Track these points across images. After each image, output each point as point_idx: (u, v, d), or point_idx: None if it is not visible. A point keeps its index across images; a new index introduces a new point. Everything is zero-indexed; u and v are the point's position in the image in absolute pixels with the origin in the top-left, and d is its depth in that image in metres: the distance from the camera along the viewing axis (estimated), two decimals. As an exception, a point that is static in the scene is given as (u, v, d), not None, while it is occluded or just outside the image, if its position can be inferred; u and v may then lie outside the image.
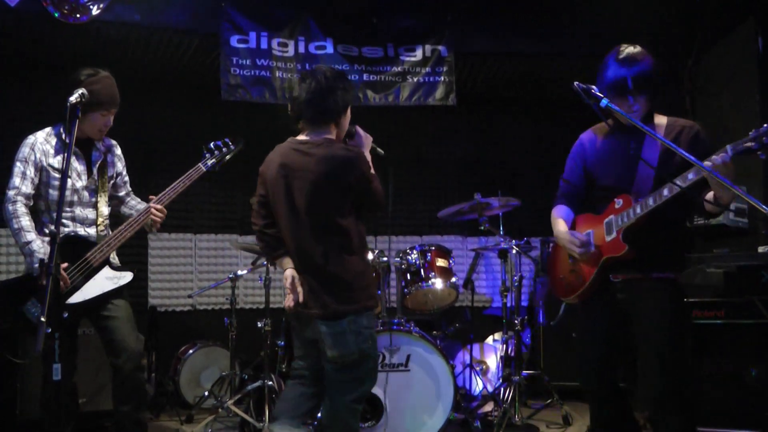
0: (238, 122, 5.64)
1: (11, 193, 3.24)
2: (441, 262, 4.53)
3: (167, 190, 3.44)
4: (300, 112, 2.91)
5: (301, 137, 2.94)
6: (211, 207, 6.04)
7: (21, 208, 3.22)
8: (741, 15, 4.90)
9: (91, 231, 3.37)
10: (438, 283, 4.45)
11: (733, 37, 5.03)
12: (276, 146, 2.99)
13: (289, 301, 2.88)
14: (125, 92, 3.43)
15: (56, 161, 3.30)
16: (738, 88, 4.94)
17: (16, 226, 3.19)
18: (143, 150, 5.69)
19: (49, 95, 5.15)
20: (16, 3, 4.40)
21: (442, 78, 5.30)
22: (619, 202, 2.81)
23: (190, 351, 5.11)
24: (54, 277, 2.49)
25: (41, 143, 3.32)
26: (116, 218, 3.55)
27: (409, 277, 4.45)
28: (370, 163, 2.97)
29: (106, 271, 3.30)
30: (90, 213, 3.39)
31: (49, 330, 2.48)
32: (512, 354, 4.63)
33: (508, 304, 4.67)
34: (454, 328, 5.00)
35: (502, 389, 4.57)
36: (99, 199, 3.41)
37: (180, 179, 3.48)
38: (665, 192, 2.63)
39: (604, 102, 2.58)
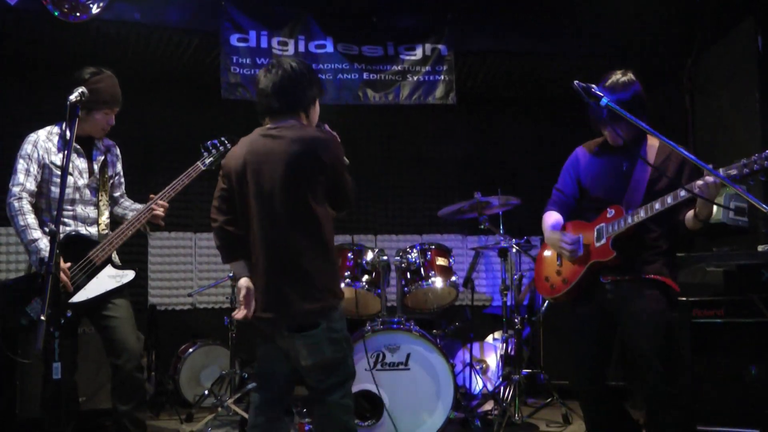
0: (237, 121, 5.56)
1: (16, 189, 3.22)
2: (441, 261, 4.53)
3: (167, 188, 3.45)
4: (267, 104, 2.73)
5: (270, 125, 2.76)
6: (210, 206, 6.02)
7: (26, 205, 3.21)
8: (740, 14, 4.90)
9: (93, 230, 3.37)
10: (438, 282, 4.45)
11: (733, 37, 5.03)
12: (241, 139, 2.82)
13: (240, 314, 2.72)
14: (125, 91, 3.43)
15: (58, 159, 3.30)
16: (737, 88, 4.94)
17: (21, 223, 3.18)
18: (143, 148, 5.69)
19: (48, 95, 5.15)
20: (16, 2, 4.40)
21: (442, 77, 5.30)
22: (611, 212, 2.95)
23: (190, 350, 5.11)
24: (54, 276, 2.49)
25: (43, 141, 3.32)
26: (114, 218, 3.55)
27: (409, 276, 4.45)
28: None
29: (109, 269, 3.30)
30: (91, 212, 3.39)
31: (53, 330, 2.49)
32: (512, 353, 4.64)
33: (508, 303, 4.68)
34: (454, 326, 4.99)
35: (502, 388, 4.58)
36: (101, 197, 3.41)
37: (179, 178, 3.51)
38: (657, 205, 2.78)
39: (604, 101, 2.61)
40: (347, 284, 4.29)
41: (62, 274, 3.08)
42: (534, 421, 4.53)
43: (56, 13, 4.44)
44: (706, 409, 3.55)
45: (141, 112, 5.50)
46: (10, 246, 5.44)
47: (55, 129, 3.39)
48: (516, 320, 4.61)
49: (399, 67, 5.30)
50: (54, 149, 3.32)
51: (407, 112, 5.79)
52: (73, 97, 2.81)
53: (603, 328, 3.00)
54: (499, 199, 4.65)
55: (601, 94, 2.65)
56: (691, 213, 2.81)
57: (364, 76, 5.26)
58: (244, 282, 2.74)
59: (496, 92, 6.30)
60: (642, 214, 2.82)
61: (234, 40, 5.04)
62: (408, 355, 3.95)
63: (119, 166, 3.58)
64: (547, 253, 3.26)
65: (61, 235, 3.19)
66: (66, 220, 3.30)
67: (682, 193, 2.70)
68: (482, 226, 4.55)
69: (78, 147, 3.36)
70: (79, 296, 3.18)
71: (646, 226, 2.88)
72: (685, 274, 3.75)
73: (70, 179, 3.30)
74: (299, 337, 2.64)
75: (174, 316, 5.88)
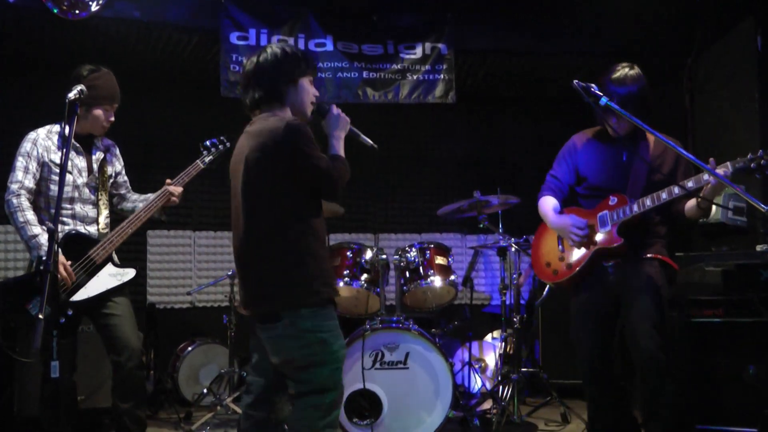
0: (237, 119, 5.58)
1: (15, 186, 3.22)
2: (440, 260, 4.53)
3: (181, 174, 3.49)
4: (244, 100, 2.73)
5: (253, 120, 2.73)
6: (210, 204, 6.04)
7: (25, 202, 3.21)
8: (740, 14, 4.90)
9: (92, 229, 3.36)
10: (437, 281, 4.45)
11: (733, 36, 5.03)
12: None
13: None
14: (124, 89, 3.43)
15: (58, 157, 3.29)
16: (737, 87, 4.94)
17: (21, 219, 3.18)
18: (142, 147, 5.68)
19: (48, 94, 5.13)
20: (15, -1, 4.39)
21: (442, 76, 5.30)
22: (613, 200, 3.01)
23: (189, 348, 5.11)
24: (52, 274, 2.48)
25: (43, 139, 3.32)
26: (116, 216, 3.55)
27: (408, 275, 4.45)
28: (341, 145, 2.70)
29: (110, 268, 3.30)
30: (90, 211, 3.38)
31: (52, 328, 2.49)
32: (511, 352, 4.64)
33: (507, 302, 4.68)
34: (453, 325, 4.99)
35: (501, 387, 4.58)
36: (100, 196, 3.41)
37: (179, 176, 3.51)
38: (664, 195, 2.86)
39: (604, 100, 2.65)
40: (346, 283, 4.29)
41: (62, 269, 3.07)
42: (533, 420, 4.53)
43: (55, 11, 4.42)
44: (705, 409, 3.55)
45: (140, 110, 5.49)
46: (8, 244, 5.44)
47: (55, 127, 3.38)
48: (515, 319, 4.62)
49: (399, 66, 5.30)
50: (53, 147, 3.32)
51: (407, 111, 5.79)
52: (71, 95, 2.81)
53: (606, 312, 3.06)
54: (499, 198, 4.64)
55: (600, 94, 2.69)
56: (692, 202, 2.90)
57: (364, 75, 5.26)
58: None
59: (496, 91, 6.30)
60: (648, 202, 2.90)
61: (234, 38, 5.03)
62: (407, 354, 3.95)
63: (119, 166, 3.57)
64: (546, 237, 3.28)
65: (60, 234, 3.20)
66: (65, 218, 3.30)
67: (690, 184, 2.81)
68: (481, 225, 4.55)
69: (77, 145, 3.36)
70: (80, 295, 3.18)
71: (648, 213, 2.96)
72: (683, 273, 3.74)
73: (69, 177, 3.30)
74: (262, 329, 2.61)
75: (173, 315, 5.88)
